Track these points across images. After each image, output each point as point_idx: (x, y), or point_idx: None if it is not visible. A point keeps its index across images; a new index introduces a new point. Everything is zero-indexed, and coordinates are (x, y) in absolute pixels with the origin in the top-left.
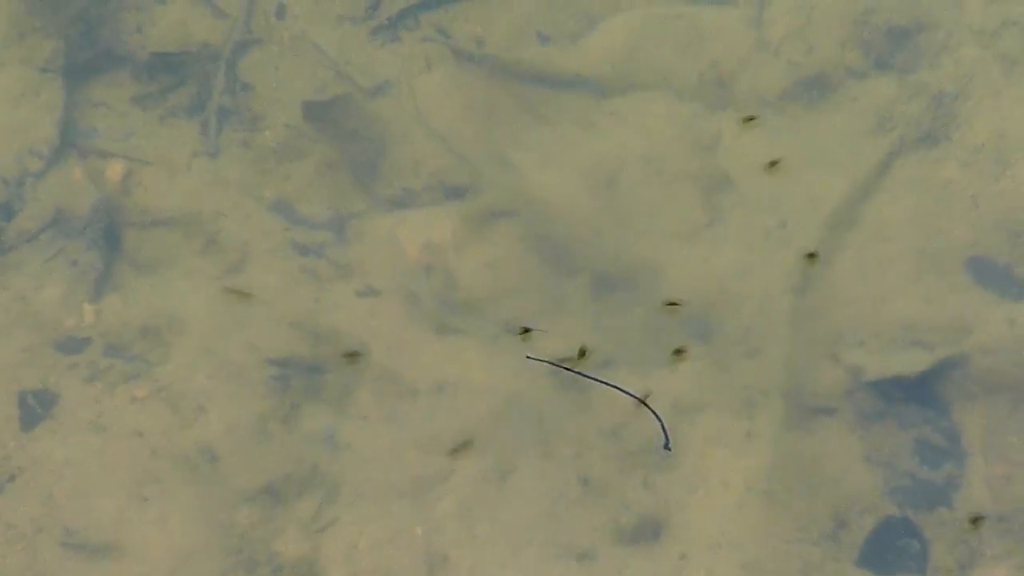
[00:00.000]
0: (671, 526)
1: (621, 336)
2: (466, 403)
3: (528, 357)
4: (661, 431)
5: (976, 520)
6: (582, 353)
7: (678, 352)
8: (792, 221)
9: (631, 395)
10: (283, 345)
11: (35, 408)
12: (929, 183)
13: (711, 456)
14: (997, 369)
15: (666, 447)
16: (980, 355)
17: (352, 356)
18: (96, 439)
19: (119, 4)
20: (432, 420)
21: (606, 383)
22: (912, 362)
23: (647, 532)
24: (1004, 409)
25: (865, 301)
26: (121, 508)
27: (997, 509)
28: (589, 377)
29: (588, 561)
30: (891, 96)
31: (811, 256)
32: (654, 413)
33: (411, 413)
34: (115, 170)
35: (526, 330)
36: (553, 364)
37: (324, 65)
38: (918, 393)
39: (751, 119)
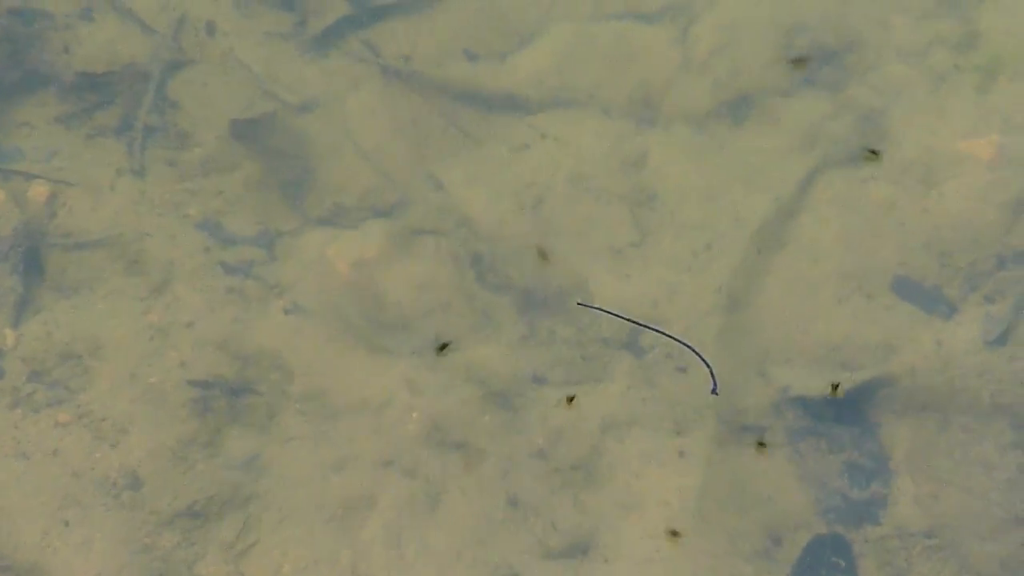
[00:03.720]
0: (601, 544)
1: (549, 354)
2: (393, 423)
3: (579, 304)
4: (710, 377)
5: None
6: None
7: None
8: (719, 241)
9: (682, 343)
10: (208, 367)
11: None
12: (856, 202)
13: (642, 474)
14: (925, 389)
15: (714, 391)
16: (907, 376)
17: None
18: (19, 464)
19: (47, 23)
20: (359, 441)
21: (658, 330)
22: (840, 383)
23: (577, 550)
24: (932, 428)
25: (793, 322)
26: (44, 532)
27: (925, 527)
28: (640, 324)
29: None
30: (818, 114)
31: None
32: (702, 359)
33: (337, 434)
34: (39, 191)
35: (444, 346)
36: (604, 311)
37: (252, 83)
38: (846, 413)
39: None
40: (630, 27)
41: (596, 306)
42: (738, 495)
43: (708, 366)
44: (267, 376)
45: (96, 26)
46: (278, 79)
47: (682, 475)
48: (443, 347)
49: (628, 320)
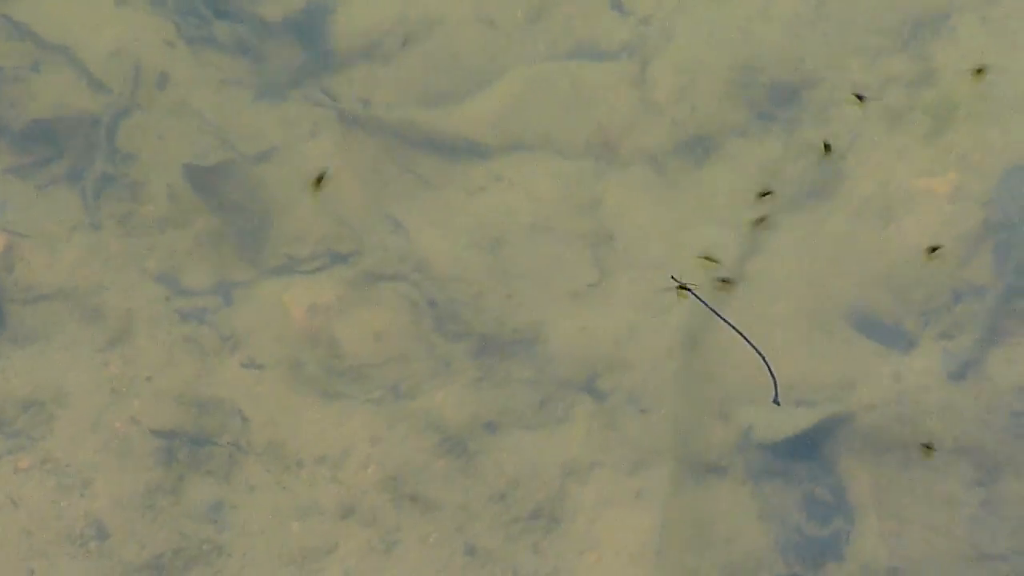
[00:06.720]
0: None
1: (508, 399)
2: (352, 472)
3: (672, 278)
4: (773, 385)
5: None
6: None
7: None
8: (679, 280)
9: (755, 348)
10: (168, 417)
11: None
12: (814, 239)
13: (602, 517)
14: (885, 425)
15: (775, 401)
16: (867, 412)
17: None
18: None
19: None
20: (318, 489)
21: (737, 329)
22: (799, 421)
23: None
24: (894, 464)
25: (753, 361)
26: None
27: (888, 566)
28: (722, 317)
29: None
30: (775, 153)
31: None
32: (766, 363)
33: (297, 483)
34: None
35: None
36: (695, 296)
37: (207, 131)
38: (807, 451)
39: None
40: (587, 68)
41: (688, 288)
42: (698, 536)
43: (772, 375)
44: (227, 426)
45: (46, 76)
46: (233, 127)
47: (641, 516)
48: None
49: (712, 310)
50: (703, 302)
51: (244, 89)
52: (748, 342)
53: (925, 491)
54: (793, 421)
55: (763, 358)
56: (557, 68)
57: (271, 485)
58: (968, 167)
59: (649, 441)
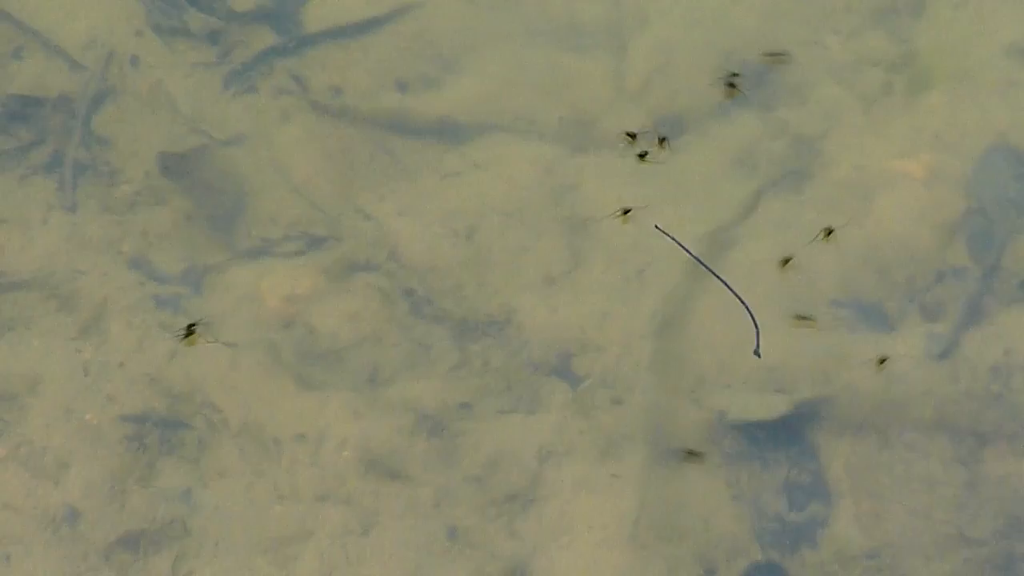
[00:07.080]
0: (536, 573)
1: (483, 384)
2: (328, 455)
3: (656, 227)
4: (755, 337)
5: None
6: None
7: None
8: (654, 265)
9: (738, 296)
10: (142, 402)
11: None
12: (792, 223)
13: (576, 502)
14: (865, 407)
15: (756, 353)
16: (848, 393)
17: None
18: None
19: None
20: (294, 473)
21: (719, 277)
22: (776, 404)
23: None
24: (873, 446)
25: (729, 345)
26: None
27: (867, 548)
28: (705, 266)
29: None
30: (752, 136)
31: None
32: (752, 317)
33: (272, 467)
34: None
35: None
36: (677, 242)
37: (179, 118)
38: (783, 434)
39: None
40: (563, 51)
41: (671, 235)
42: (673, 521)
43: (756, 324)
44: (201, 411)
45: (24, 62)
46: (205, 114)
47: (616, 502)
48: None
49: (696, 258)
50: (688, 252)
51: (214, 76)
52: (731, 290)
53: (905, 472)
54: (770, 405)
55: (745, 306)
56: (534, 51)
57: (246, 469)
58: (945, 147)
59: (623, 426)
